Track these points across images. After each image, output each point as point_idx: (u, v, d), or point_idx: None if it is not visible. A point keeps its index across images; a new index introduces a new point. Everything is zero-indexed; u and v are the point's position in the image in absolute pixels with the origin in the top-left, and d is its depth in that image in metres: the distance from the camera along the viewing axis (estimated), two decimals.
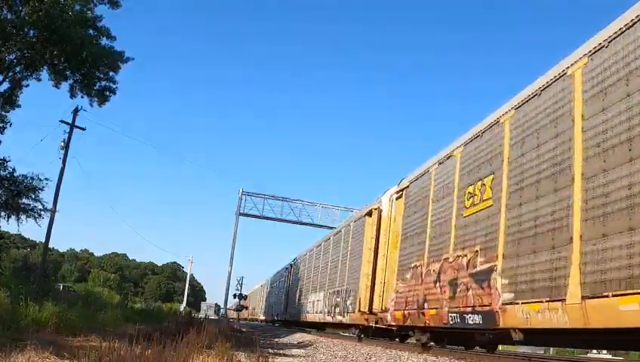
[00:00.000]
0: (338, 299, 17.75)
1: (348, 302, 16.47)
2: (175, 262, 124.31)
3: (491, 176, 8.65)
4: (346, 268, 17.49)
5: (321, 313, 20.50)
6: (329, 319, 19.19)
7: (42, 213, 22.74)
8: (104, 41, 20.39)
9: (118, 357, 5.60)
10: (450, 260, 9.65)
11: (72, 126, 26.02)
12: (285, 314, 30.57)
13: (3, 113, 20.36)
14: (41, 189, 22.43)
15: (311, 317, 22.77)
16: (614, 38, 6.14)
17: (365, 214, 16.01)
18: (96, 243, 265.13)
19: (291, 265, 30.87)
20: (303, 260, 27.29)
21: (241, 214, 40.54)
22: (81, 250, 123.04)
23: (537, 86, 7.74)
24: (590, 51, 6.56)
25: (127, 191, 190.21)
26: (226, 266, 42.13)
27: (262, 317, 48.24)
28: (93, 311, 11.61)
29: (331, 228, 33.45)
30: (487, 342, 9.63)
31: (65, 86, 21.00)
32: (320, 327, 24.08)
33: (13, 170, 21.60)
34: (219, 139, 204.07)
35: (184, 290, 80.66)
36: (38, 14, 17.20)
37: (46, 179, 22.67)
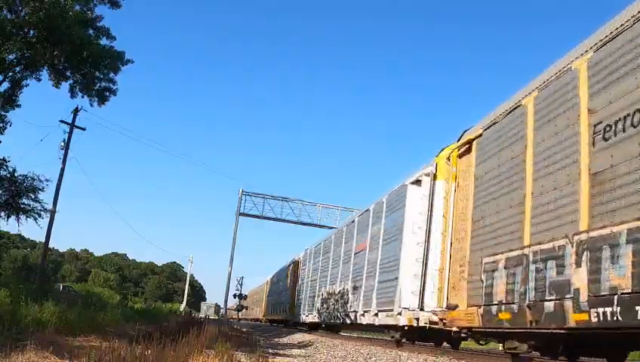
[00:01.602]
0: None
1: None
2: (175, 262, 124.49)
3: None
4: None
5: None
6: None
7: (42, 213, 22.78)
8: (104, 41, 20.47)
9: (118, 357, 5.60)
10: None
11: (72, 126, 26.10)
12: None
13: (3, 113, 20.37)
14: (42, 190, 22.45)
15: None
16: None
17: None
18: (96, 243, 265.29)
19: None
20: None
21: (241, 214, 40.53)
22: (81, 250, 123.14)
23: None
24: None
25: (127, 190, 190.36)
26: (226, 266, 42.20)
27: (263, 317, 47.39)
28: (93, 311, 11.55)
29: (332, 228, 32.72)
30: None
31: (65, 86, 21.07)
32: None
33: (14, 170, 21.63)
34: (219, 139, 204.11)
35: (184, 290, 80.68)
36: (38, 14, 17.20)
37: (47, 180, 22.71)
